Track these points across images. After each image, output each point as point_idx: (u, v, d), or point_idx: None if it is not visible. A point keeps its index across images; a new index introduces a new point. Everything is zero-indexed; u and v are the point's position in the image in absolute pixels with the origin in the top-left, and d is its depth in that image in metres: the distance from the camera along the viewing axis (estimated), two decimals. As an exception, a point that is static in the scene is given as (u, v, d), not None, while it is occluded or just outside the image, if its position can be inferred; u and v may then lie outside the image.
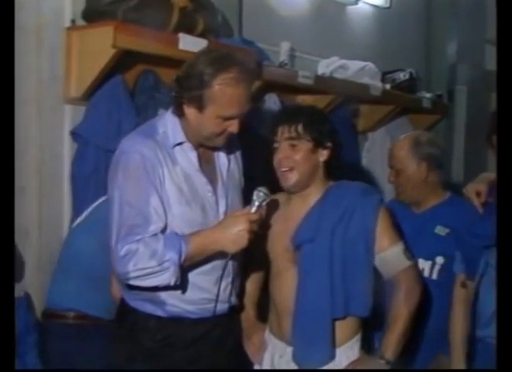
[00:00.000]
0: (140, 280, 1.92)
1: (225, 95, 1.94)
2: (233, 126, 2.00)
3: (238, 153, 2.25)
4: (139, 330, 2.07)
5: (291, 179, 2.15)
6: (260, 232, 2.04)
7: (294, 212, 2.20)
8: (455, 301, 2.42)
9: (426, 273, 2.54)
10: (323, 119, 2.22)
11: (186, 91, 1.97)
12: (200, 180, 2.06)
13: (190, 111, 1.99)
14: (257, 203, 2.00)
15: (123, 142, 2.03)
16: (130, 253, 1.88)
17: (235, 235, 1.93)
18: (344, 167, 2.37)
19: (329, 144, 2.18)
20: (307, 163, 2.15)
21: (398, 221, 2.36)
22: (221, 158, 2.15)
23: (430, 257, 2.55)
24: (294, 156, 2.14)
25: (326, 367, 2.14)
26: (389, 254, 2.16)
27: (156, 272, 1.89)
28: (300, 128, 2.13)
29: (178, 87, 2.00)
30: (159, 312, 2.05)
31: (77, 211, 2.55)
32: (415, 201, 2.66)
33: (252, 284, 2.36)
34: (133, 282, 1.94)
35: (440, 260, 2.54)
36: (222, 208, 2.09)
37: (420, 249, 2.49)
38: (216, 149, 2.12)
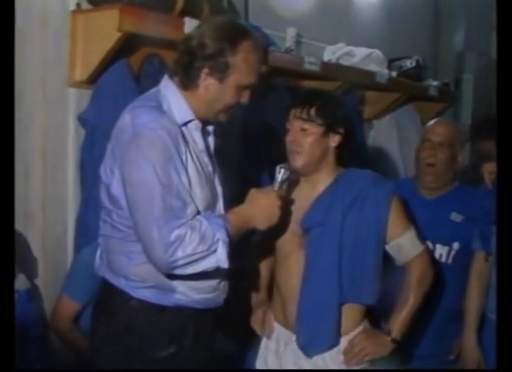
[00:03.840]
0: (187, 267, 1.79)
1: (248, 63, 1.88)
2: (246, 97, 1.94)
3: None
4: (135, 320, 1.91)
5: (298, 162, 2.13)
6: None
7: (302, 197, 2.18)
8: (473, 277, 2.54)
9: (443, 259, 2.63)
10: (337, 104, 2.20)
11: (208, 60, 1.86)
12: (204, 161, 1.95)
13: (208, 82, 1.89)
14: (279, 180, 1.99)
15: (136, 116, 1.84)
16: (179, 238, 1.76)
17: (268, 211, 1.90)
18: (350, 155, 2.35)
19: (341, 130, 2.15)
20: (316, 147, 2.13)
21: (411, 207, 2.39)
22: (210, 136, 2.03)
23: (448, 243, 2.64)
24: (303, 139, 2.12)
25: (329, 353, 2.13)
26: (404, 240, 2.16)
27: (204, 257, 1.79)
28: (313, 111, 2.11)
29: (192, 57, 1.87)
30: (164, 301, 1.92)
31: (84, 197, 2.53)
32: (438, 186, 2.70)
33: (266, 267, 2.35)
34: (179, 271, 1.80)
35: (456, 245, 2.65)
36: (219, 190, 2.00)
37: (438, 236, 2.61)
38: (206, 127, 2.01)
